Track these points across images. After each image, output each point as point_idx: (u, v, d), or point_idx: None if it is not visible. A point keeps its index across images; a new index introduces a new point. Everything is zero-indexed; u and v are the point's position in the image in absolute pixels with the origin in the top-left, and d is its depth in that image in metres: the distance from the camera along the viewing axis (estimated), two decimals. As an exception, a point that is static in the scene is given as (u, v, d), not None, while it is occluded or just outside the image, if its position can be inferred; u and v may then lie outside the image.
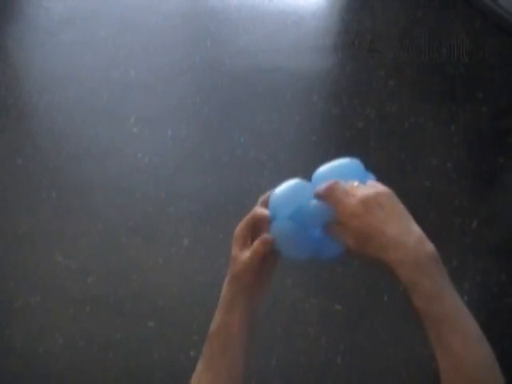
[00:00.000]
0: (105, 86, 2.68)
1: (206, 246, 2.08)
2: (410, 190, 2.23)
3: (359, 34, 2.87)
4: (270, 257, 0.72)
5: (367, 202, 0.64)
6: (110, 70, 2.74)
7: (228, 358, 0.70)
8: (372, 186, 0.69)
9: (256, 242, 0.70)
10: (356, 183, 0.68)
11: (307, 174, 0.78)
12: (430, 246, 0.62)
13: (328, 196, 0.66)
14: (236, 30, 2.94)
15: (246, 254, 0.71)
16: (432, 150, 2.37)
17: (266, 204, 0.74)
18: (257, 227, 0.73)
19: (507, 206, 2.23)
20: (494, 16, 2.88)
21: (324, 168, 0.74)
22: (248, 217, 0.74)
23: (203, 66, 2.76)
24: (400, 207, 0.68)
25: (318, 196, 0.68)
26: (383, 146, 2.36)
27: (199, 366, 0.72)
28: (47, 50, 2.88)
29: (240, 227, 0.74)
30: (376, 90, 2.60)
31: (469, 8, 2.96)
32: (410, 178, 2.26)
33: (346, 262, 1.97)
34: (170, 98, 2.62)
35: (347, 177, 0.70)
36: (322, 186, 0.67)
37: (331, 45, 2.85)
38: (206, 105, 2.57)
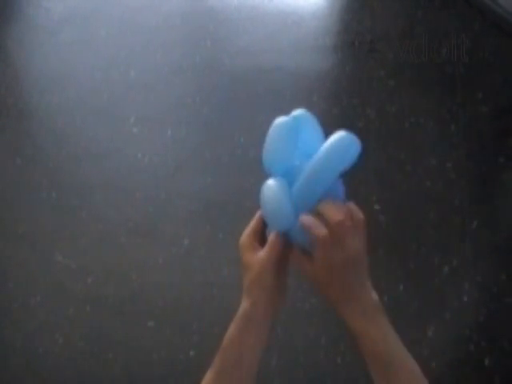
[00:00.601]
0: (105, 86, 2.68)
1: (206, 246, 2.08)
2: (409, 189, 2.23)
3: (359, 34, 2.87)
4: (284, 257, 0.69)
5: (342, 266, 0.64)
6: (110, 70, 2.74)
7: (241, 372, 0.68)
8: (352, 245, 0.64)
9: (271, 237, 0.67)
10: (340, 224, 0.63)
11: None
12: (374, 296, 0.67)
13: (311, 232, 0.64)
14: (236, 29, 2.94)
15: (260, 255, 0.67)
16: (432, 149, 2.37)
17: None
18: (263, 232, 0.71)
19: (507, 205, 2.23)
20: (494, 16, 2.88)
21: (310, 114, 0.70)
22: (253, 222, 0.72)
23: (203, 66, 2.76)
24: (362, 261, 0.67)
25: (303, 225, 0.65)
26: (383, 146, 2.36)
27: (209, 378, 0.69)
28: (47, 50, 2.88)
29: (246, 234, 0.71)
30: (376, 90, 2.60)
31: (469, 8, 2.96)
32: (410, 178, 2.26)
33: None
34: (170, 97, 2.62)
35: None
36: (306, 221, 0.64)
37: (331, 45, 2.85)
38: (205, 105, 2.57)
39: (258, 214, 0.72)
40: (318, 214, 0.63)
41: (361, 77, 2.66)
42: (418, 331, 1.81)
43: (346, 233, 0.62)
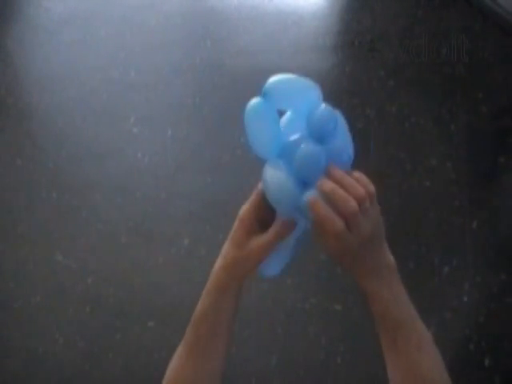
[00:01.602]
0: (105, 86, 2.68)
1: (206, 246, 2.08)
2: (410, 189, 2.23)
3: (359, 33, 2.87)
4: None
5: (358, 248, 0.61)
6: (110, 70, 2.74)
7: (215, 344, 0.67)
8: (375, 219, 0.62)
9: (277, 227, 0.63)
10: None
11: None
12: (391, 259, 0.64)
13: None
14: (236, 30, 2.94)
15: (257, 242, 0.64)
16: (432, 150, 2.37)
17: None
18: (263, 209, 0.66)
19: (507, 205, 2.23)
20: (494, 16, 2.88)
21: (281, 80, 0.64)
22: (254, 197, 0.67)
23: (203, 66, 2.76)
24: (380, 233, 0.65)
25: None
26: (383, 145, 2.36)
27: (181, 352, 0.68)
28: (47, 50, 2.88)
29: (246, 209, 0.67)
30: (376, 90, 2.60)
31: (469, 8, 2.96)
32: (410, 178, 2.26)
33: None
34: (170, 97, 2.63)
35: (301, 99, 0.64)
36: (317, 216, 0.58)
37: (331, 45, 2.85)
38: (205, 105, 2.57)
39: (259, 187, 0.67)
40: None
41: (361, 77, 2.66)
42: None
43: (361, 219, 0.58)
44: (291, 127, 0.64)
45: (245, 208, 0.67)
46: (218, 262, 0.69)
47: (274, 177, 0.63)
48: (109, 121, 2.54)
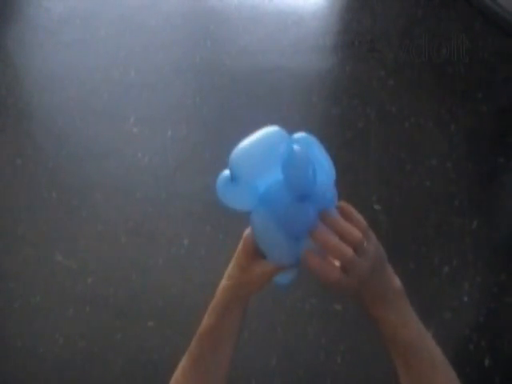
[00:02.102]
0: (105, 86, 2.68)
1: (206, 246, 2.08)
2: (410, 189, 2.23)
3: (359, 34, 2.87)
4: None
5: (371, 272, 0.61)
6: (110, 70, 2.74)
7: (218, 358, 0.69)
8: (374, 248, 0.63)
9: (271, 266, 0.65)
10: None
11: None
12: (396, 282, 0.65)
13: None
14: (236, 29, 2.94)
15: (261, 268, 0.65)
16: (432, 150, 2.37)
17: None
18: None
19: (507, 205, 2.23)
20: (494, 16, 2.88)
21: (245, 147, 0.62)
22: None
23: (203, 66, 2.75)
24: (383, 255, 0.65)
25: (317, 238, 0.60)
26: (383, 146, 2.36)
27: (185, 364, 0.71)
28: (47, 50, 2.88)
29: (250, 233, 0.67)
30: (376, 90, 2.60)
31: (469, 8, 2.96)
32: (410, 178, 2.26)
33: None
34: (170, 97, 2.62)
35: (272, 151, 0.61)
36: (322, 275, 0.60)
37: (331, 45, 2.85)
38: (205, 105, 2.57)
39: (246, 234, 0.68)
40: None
41: (361, 77, 2.66)
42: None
43: (358, 262, 0.60)
44: (264, 176, 0.62)
45: (248, 231, 0.67)
46: (224, 282, 0.70)
47: (264, 232, 0.62)
48: (109, 121, 2.54)
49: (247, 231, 0.68)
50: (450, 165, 2.30)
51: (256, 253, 0.67)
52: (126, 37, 2.91)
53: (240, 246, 0.68)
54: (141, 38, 2.91)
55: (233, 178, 0.62)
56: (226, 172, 0.64)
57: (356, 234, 0.60)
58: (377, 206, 2.13)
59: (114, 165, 2.37)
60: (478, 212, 2.15)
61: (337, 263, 0.61)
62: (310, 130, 0.67)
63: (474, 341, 1.82)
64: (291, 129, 0.67)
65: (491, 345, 1.81)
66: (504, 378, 1.74)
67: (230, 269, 0.70)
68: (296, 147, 0.60)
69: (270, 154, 0.61)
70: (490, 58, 2.72)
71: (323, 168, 0.62)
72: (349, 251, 0.59)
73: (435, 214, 2.15)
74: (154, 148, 2.42)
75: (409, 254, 2.03)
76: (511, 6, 2.81)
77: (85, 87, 2.68)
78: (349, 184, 2.14)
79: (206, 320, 0.70)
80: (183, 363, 0.71)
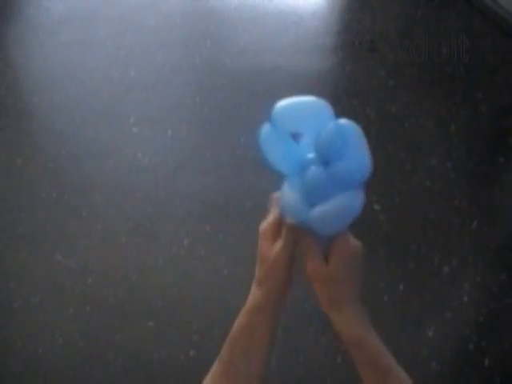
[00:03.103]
0: (105, 86, 2.68)
1: (206, 246, 2.08)
2: (410, 189, 2.23)
3: (359, 33, 2.87)
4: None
5: (356, 260, 0.67)
6: (110, 70, 2.74)
7: (250, 364, 0.66)
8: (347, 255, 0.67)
9: (284, 230, 0.66)
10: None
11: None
12: (366, 310, 0.67)
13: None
14: (236, 30, 2.94)
15: (274, 250, 0.66)
16: (432, 149, 2.37)
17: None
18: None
19: (507, 205, 2.23)
20: (494, 16, 2.88)
21: (289, 104, 0.67)
22: (275, 210, 0.68)
23: (203, 66, 2.76)
24: (359, 269, 0.68)
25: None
26: (383, 145, 2.36)
27: (216, 369, 0.68)
28: (47, 50, 2.88)
29: (268, 222, 0.68)
30: (376, 90, 2.60)
31: (469, 8, 2.96)
32: (410, 178, 2.26)
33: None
34: (170, 97, 2.63)
35: (312, 120, 0.66)
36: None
37: (331, 45, 2.85)
38: (205, 105, 2.57)
39: (275, 199, 0.69)
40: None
41: (361, 77, 2.66)
42: (418, 331, 1.81)
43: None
44: (308, 146, 0.65)
45: (267, 221, 0.68)
46: (253, 283, 0.70)
47: (285, 194, 0.66)
48: (109, 121, 2.54)
49: (264, 225, 0.68)
50: (449, 165, 2.30)
51: (273, 239, 0.67)
52: (126, 37, 2.91)
53: (259, 243, 0.68)
54: (141, 38, 2.91)
55: (271, 121, 0.65)
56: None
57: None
58: (377, 206, 2.13)
59: (114, 165, 2.37)
60: (478, 212, 2.15)
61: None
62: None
63: (473, 341, 1.82)
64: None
65: (491, 345, 1.81)
66: (504, 378, 1.74)
67: (256, 270, 0.69)
68: (335, 122, 0.63)
69: (313, 113, 0.66)
70: (489, 58, 2.72)
71: (353, 156, 0.63)
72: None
73: (435, 214, 2.15)
74: (154, 148, 2.42)
75: (409, 253, 2.03)
76: (511, 6, 2.81)
77: (85, 87, 2.68)
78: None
79: (237, 324, 0.68)
80: (213, 370, 0.68)
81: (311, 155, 0.64)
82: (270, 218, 0.68)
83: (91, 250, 2.10)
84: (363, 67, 2.70)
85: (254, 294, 0.68)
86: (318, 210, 0.63)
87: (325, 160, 0.62)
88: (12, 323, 1.93)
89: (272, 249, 0.66)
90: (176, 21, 2.99)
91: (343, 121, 0.64)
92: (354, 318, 0.65)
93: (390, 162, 2.31)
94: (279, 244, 0.66)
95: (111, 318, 1.93)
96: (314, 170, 0.62)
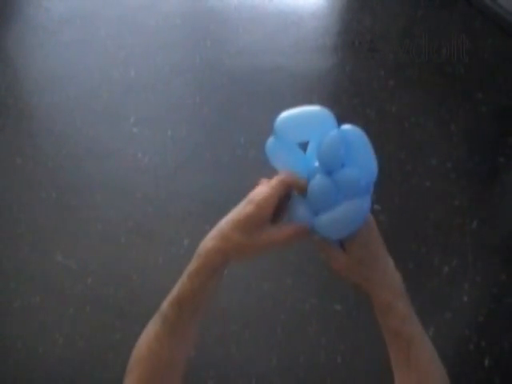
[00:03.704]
0: (105, 86, 2.68)
1: (206, 246, 2.07)
2: (410, 189, 2.23)
3: (359, 33, 2.87)
4: None
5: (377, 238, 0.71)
6: (110, 70, 2.74)
7: (194, 325, 0.66)
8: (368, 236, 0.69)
9: (291, 229, 0.63)
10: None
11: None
12: (399, 275, 0.68)
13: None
14: (236, 30, 2.94)
15: (270, 236, 0.62)
16: (432, 149, 2.37)
17: (289, 185, 0.64)
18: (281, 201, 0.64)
19: (507, 205, 2.23)
20: (494, 16, 2.88)
21: (290, 116, 0.66)
22: (279, 185, 0.63)
23: (203, 66, 2.76)
24: (374, 233, 0.71)
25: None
26: (383, 145, 2.36)
27: (159, 330, 0.66)
28: (47, 50, 2.88)
29: (269, 195, 0.62)
30: (376, 90, 2.60)
31: (469, 8, 2.96)
32: (410, 178, 2.26)
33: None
34: (170, 97, 2.63)
35: (315, 128, 0.65)
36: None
37: (331, 45, 2.85)
38: (205, 105, 2.57)
39: (286, 177, 0.65)
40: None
41: (361, 77, 2.66)
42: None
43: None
44: (313, 155, 0.66)
45: (265, 193, 0.62)
46: (215, 243, 0.65)
47: (294, 202, 0.66)
48: (109, 121, 2.54)
49: (262, 193, 0.62)
50: (449, 165, 2.30)
51: (268, 219, 0.63)
52: (126, 37, 2.91)
53: (250, 208, 0.62)
54: (141, 38, 2.91)
55: (274, 134, 0.66)
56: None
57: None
58: (377, 206, 2.13)
59: (114, 165, 2.37)
60: (478, 212, 2.15)
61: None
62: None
63: (473, 341, 1.82)
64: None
65: (491, 345, 1.81)
66: (504, 377, 1.74)
67: (225, 230, 0.64)
68: (337, 130, 0.64)
69: (315, 123, 0.66)
70: (489, 58, 2.72)
71: (357, 161, 0.64)
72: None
73: (435, 214, 2.15)
74: (154, 148, 2.42)
75: (409, 253, 2.03)
76: (511, 6, 2.81)
77: (85, 87, 2.68)
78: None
79: (188, 284, 0.66)
80: (155, 330, 0.66)
81: (317, 164, 0.65)
82: (275, 190, 0.63)
83: (91, 250, 2.10)
84: (363, 67, 2.70)
85: (214, 256, 0.66)
86: (325, 218, 0.63)
87: (328, 169, 0.63)
88: (12, 323, 1.93)
89: (263, 230, 0.63)
90: (176, 21, 2.99)
91: (347, 126, 0.65)
92: (383, 284, 0.65)
93: (389, 162, 2.31)
94: (276, 236, 0.63)
95: (111, 317, 1.93)
96: (319, 179, 0.63)
